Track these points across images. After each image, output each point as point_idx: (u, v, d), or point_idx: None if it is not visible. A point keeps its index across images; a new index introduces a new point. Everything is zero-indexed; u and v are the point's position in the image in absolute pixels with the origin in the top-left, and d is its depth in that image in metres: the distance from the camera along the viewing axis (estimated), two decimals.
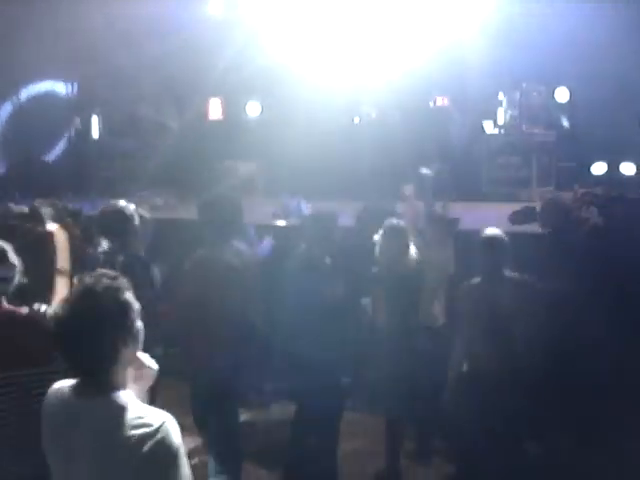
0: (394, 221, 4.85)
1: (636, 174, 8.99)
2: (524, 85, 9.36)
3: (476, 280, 4.39)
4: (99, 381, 2.12)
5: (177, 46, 11.71)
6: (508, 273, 4.31)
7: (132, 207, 4.66)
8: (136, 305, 2.19)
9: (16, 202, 9.88)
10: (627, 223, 5.63)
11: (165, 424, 2.08)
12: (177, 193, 10.00)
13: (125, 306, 2.15)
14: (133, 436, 2.04)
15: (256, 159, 10.73)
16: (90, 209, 9.18)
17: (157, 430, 2.06)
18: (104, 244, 4.44)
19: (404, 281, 4.69)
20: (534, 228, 5.83)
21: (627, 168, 9.11)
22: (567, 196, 6.90)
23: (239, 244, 4.44)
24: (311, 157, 9.88)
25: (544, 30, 9.90)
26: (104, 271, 2.26)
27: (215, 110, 11.85)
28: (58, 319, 2.14)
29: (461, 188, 9.00)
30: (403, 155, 9.27)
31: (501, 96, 9.47)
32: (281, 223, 7.87)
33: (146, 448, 2.03)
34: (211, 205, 4.48)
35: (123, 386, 2.16)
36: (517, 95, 9.40)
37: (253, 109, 12.20)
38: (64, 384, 2.22)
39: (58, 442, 2.17)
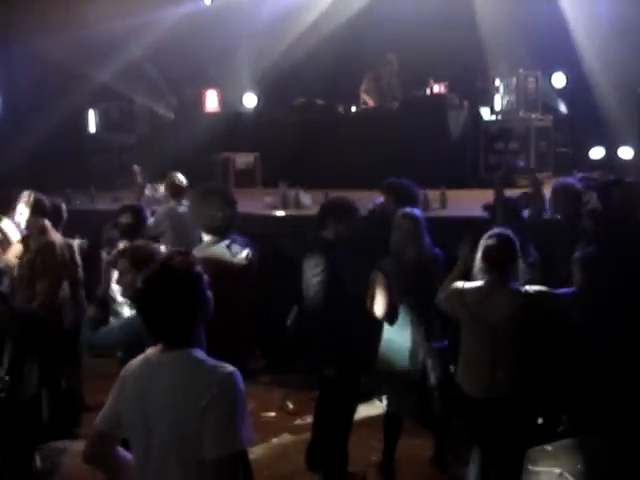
0: (407, 209, 4.85)
1: (634, 158, 8.98)
2: (521, 71, 9.34)
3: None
4: (177, 341, 2.43)
5: (173, 39, 11.69)
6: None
7: None
8: (205, 276, 2.52)
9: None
10: (625, 207, 5.61)
11: (235, 373, 2.39)
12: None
13: (196, 277, 2.48)
14: (207, 377, 2.36)
15: (254, 150, 10.71)
16: (88, 204, 9.25)
17: (229, 374, 2.38)
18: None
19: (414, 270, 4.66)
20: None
21: (625, 152, 9.11)
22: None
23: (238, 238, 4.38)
24: (309, 147, 9.88)
25: (540, 15, 9.89)
26: (177, 249, 2.70)
27: (212, 102, 11.82)
28: (140, 291, 2.52)
29: (459, 175, 9.01)
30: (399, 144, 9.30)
31: (497, 82, 9.44)
32: (280, 214, 7.87)
33: (220, 385, 2.34)
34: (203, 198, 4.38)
35: (200, 344, 2.49)
36: (514, 81, 9.37)
37: (250, 100, 12.19)
38: (144, 355, 2.53)
39: (138, 395, 2.45)
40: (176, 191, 6.96)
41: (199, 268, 2.53)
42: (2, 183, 10.02)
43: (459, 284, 4.09)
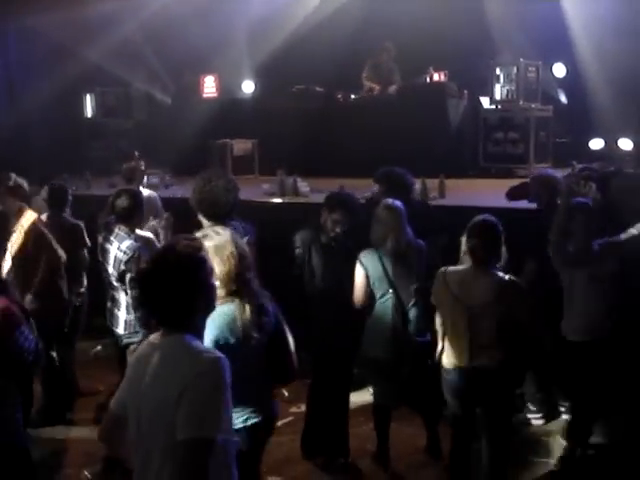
0: (389, 201, 4.84)
1: (634, 149, 8.95)
2: (521, 60, 9.28)
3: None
4: (174, 326, 2.44)
5: (171, 23, 11.62)
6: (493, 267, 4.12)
7: None
8: (210, 263, 2.54)
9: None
10: (625, 198, 5.59)
11: (222, 359, 2.38)
12: (173, 172, 9.96)
13: (199, 262, 2.47)
14: (192, 361, 2.35)
15: (252, 137, 10.65)
16: (85, 189, 9.21)
17: (216, 359, 2.37)
18: None
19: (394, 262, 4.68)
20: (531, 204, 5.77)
21: (625, 144, 9.08)
22: (564, 172, 6.90)
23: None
24: (307, 134, 9.82)
25: (542, 5, 9.85)
26: (186, 235, 2.67)
27: (210, 88, 11.75)
28: (143, 273, 2.55)
29: (458, 164, 8.97)
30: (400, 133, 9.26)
31: (498, 71, 9.38)
32: (277, 200, 7.84)
33: (202, 368, 2.34)
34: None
35: (197, 332, 2.50)
36: (514, 70, 9.32)
37: (249, 87, 12.13)
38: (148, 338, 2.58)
39: (135, 378, 2.50)
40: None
41: (204, 254, 2.51)
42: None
43: (442, 268, 4.21)
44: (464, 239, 4.21)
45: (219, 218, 4.13)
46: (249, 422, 3.19)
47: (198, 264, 2.47)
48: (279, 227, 5.99)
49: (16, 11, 11.69)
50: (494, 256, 4.11)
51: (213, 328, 2.96)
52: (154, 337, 2.52)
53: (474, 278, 4.07)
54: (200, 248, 2.53)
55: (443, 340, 4.23)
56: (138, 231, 5.02)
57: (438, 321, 4.31)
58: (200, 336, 2.53)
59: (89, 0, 11.71)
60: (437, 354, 4.29)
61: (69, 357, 6.13)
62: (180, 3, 11.74)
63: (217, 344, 2.96)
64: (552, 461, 4.89)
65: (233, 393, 2.43)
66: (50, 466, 5.00)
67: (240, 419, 3.14)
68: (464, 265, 4.22)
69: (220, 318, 3.01)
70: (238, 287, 3.13)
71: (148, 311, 2.51)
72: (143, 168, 7.25)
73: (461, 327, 4.08)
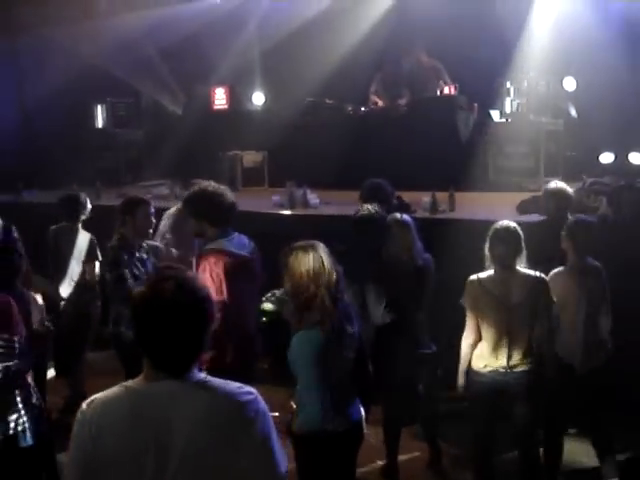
0: (397, 215, 4.87)
1: None
2: (531, 74, 9.28)
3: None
4: (183, 369, 2.12)
5: (183, 35, 11.68)
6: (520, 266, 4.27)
7: None
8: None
9: (19, 192, 9.92)
10: (637, 212, 5.57)
11: (257, 394, 2.16)
12: (182, 183, 9.97)
13: (210, 299, 2.19)
14: (238, 402, 2.10)
15: (262, 148, 10.68)
16: (95, 199, 9.22)
17: (257, 397, 2.15)
18: None
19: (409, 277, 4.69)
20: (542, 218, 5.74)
21: (636, 158, 9.04)
22: (574, 186, 6.86)
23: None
24: (317, 147, 9.84)
25: (553, 20, 9.85)
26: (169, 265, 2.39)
27: (221, 99, 11.79)
28: (147, 308, 2.12)
29: (468, 177, 8.95)
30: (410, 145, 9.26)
31: (508, 85, 9.38)
32: (286, 212, 7.84)
33: (252, 412, 2.10)
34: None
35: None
36: (524, 84, 9.31)
37: (259, 99, 12.16)
38: (112, 393, 2.12)
39: (137, 436, 2.04)
40: None
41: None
42: (10, 177, 10.05)
43: (474, 276, 4.32)
44: (487, 246, 4.28)
45: (223, 227, 4.32)
46: None
47: (210, 302, 2.19)
48: (288, 239, 5.98)
49: (28, 23, 11.79)
50: (520, 257, 4.25)
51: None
52: (137, 384, 2.13)
53: (509, 280, 4.22)
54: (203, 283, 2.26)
55: (473, 345, 4.32)
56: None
57: (470, 327, 4.36)
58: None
59: (100, 12, 11.80)
60: (464, 361, 4.35)
61: (80, 367, 6.16)
62: (192, 15, 11.81)
63: None
64: None
65: None
66: None
67: None
68: (491, 271, 4.29)
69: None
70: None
71: (148, 352, 2.11)
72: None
73: (502, 328, 4.21)
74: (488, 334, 4.27)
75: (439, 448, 5.07)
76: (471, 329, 4.36)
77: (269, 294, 5.79)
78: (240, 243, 4.37)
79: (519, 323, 4.21)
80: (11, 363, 3.60)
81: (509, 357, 4.21)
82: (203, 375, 2.17)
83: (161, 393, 2.08)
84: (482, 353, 4.30)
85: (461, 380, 4.44)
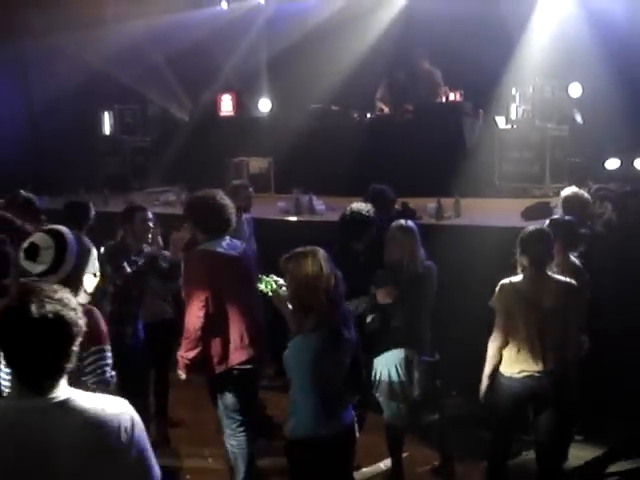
0: (401, 221, 4.87)
1: None
2: (537, 80, 9.29)
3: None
4: (42, 384, 2.07)
5: (190, 42, 11.73)
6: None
7: None
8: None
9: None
10: None
11: (128, 405, 2.15)
12: (189, 189, 10.01)
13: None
14: (109, 420, 2.07)
15: (268, 155, 10.71)
16: (102, 206, 9.27)
17: (127, 410, 2.13)
18: None
19: (411, 283, 4.69)
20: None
21: None
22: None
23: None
24: (323, 153, 9.87)
25: (559, 26, 9.86)
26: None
27: (227, 106, 11.84)
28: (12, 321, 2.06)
29: (473, 183, 8.96)
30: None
31: (513, 91, 9.39)
32: (292, 218, 7.87)
33: (123, 429, 2.07)
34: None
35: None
36: (530, 90, 9.32)
37: (265, 105, 12.21)
38: None
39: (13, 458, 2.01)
40: None
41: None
42: (16, 184, 10.09)
43: (505, 280, 4.29)
44: (518, 251, 4.25)
45: (216, 234, 4.44)
46: None
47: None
48: (294, 246, 6.01)
49: (35, 29, 11.85)
50: (551, 261, 4.26)
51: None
52: (12, 402, 2.12)
53: (542, 284, 4.20)
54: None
55: (501, 349, 4.29)
56: None
57: (499, 330, 4.31)
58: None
59: (107, 18, 11.86)
60: (490, 365, 4.32)
61: None
62: (198, 22, 11.87)
63: None
64: None
65: None
66: None
67: None
68: (522, 275, 4.27)
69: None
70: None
71: (14, 368, 2.07)
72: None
73: (536, 332, 4.19)
74: (521, 338, 4.22)
75: (449, 456, 5.04)
76: (500, 333, 4.30)
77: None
78: (230, 245, 4.50)
79: (552, 327, 4.18)
80: None
81: (544, 361, 4.18)
82: (72, 392, 2.10)
83: (25, 410, 2.05)
84: (515, 357, 4.24)
85: (485, 383, 4.37)
